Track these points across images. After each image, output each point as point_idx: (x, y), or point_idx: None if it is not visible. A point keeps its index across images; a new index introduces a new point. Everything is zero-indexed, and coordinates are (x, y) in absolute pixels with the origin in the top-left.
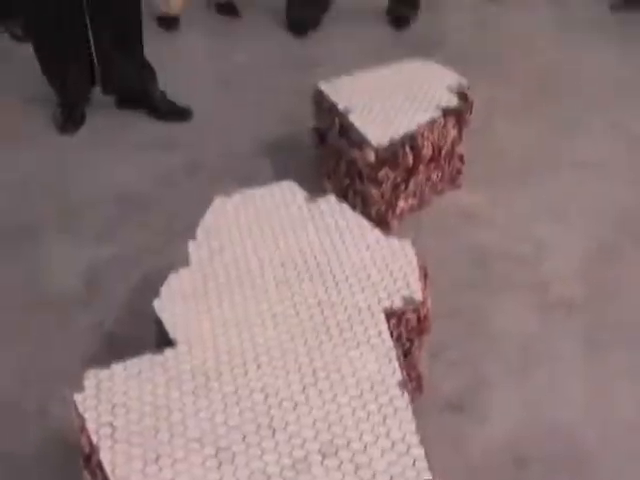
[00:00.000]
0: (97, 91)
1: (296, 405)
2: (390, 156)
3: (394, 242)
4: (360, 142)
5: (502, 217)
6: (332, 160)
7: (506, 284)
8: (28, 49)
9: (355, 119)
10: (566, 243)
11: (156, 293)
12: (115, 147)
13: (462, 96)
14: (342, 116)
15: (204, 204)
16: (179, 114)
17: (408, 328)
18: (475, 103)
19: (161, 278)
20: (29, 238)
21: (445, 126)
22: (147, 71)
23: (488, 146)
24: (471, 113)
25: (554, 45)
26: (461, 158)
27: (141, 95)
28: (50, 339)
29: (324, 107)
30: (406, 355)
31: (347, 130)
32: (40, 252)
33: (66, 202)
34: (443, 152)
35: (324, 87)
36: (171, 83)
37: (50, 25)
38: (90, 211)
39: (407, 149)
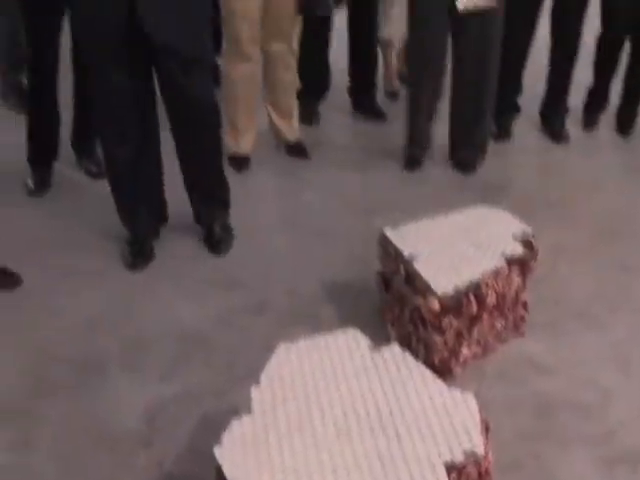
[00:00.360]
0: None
1: None
2: (454, 304)
3: (456, 394)
4: (424, 290)
5: (566, 365)
6: (397, 306)
7: (570, 434)
8: (102, 185)
9: (420, 267)
10: (630, 391)
11: (216, 435)
12: (182, 282)
13: (527, 244)
14: (407, 263)
15: (267, 346)
16: (217, 249)
17: None
18: (540, 249)
19: (222, 420)
20: (94, 374)
21: (509, 275)
22: (219, 206)
23: (552, 292)
24: (535, 261)
25: (619, 189)
26: (525, 306)
27: (207, 228)
28: (109, 478)
29: (390, 253)
30: None
31: (412, 277)
32: (103, 388)
33: (131, 338)
34: (507, 300)
35: (390, 233)
36: (238, 221)
37: (127, 165)
38: (155, 348)
39: (471, 297)
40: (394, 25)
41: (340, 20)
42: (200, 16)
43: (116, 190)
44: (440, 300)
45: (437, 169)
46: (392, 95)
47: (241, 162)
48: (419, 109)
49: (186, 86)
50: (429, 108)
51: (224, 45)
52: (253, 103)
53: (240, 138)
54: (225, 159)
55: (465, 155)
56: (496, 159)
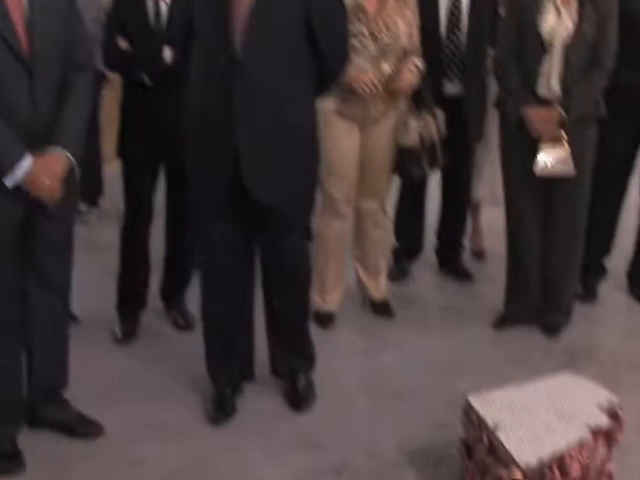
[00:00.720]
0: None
1: None
2: (537, 476)
3: None
4: (507, 461)
5: None
6: (478, 475)
7: None
8: (189, 337)
9: (503, 437)
10: None
11: None
12: (262, 439)
13: (613, 415)
14: (490, 433)
15: None
16: (298, 406)
17: None
18: (625, 418)
19: None
20: None
21: (595, 446)
22: (304, 362)
23: (637, 461)
24: (621, 431)
25: None
26: (610, 477)
27: (290, 384)
28: None
29: (473, 420)
30: None
31: (495, 447)
32: None
33: None
34: (591, 472)
35: (473, 400)
36: (320, 378)
37: (222, 319)
38: None
39: (555, 470)
40: (485, 187)
41: (434, 179)
42: (305, 178)
43: (208, 342)
44: (523, 472)
45: (522, 330)
46: (479, 255)
47: (326, 319)
48: (518, 268)
49: (283, 242)
50: (532, 270)
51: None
52: (343, 260)
53: (327, 295)
54: (311, 315)
55: (551, 317)
56: (582, 321)
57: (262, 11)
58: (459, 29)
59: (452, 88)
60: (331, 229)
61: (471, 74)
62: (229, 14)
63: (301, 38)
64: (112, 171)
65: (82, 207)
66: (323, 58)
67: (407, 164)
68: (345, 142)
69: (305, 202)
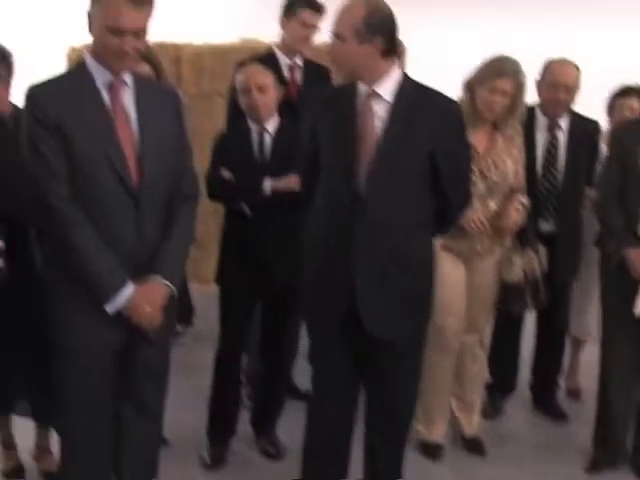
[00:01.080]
0: None
1: None
2: None
3: None
4: None
5: None
6: None
7: None
8: (279, 466)
9: None
10: None
11: None
12: None
13: None
14: None
15: None
16: None
17: None
18: None
19: None
20: None
21: None
22: None
23: None
24: None
25: None
26: None
27: None
28: None
29: None
30: None
31: None
32: None
33: None
34: None
35: None
36: None
37: (323, 450)
38: None
39: None
40: (585, 324)
41: (529, 315)
42: (421, 312)
43: (305, 472)
44: None
45: (616, 473)
46: (574, 394)
47: (435, 450)
48: (608, 411)
49: (393, 376)
50: (622, 413)
51: None
52: (448, 393)
53: (433, 427)
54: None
55: None
56: None
57: (389, 148)
58: (555, 168)
59: (547, 226)
60: (440, 363)
61: (567, 213)
62: (355, 150)
63: (425, 174)
64: (207, 290)
65: (178, 329)
66: (445, 197)
67: (510, 300)
68: (453, 277)
69: (419, 336)
